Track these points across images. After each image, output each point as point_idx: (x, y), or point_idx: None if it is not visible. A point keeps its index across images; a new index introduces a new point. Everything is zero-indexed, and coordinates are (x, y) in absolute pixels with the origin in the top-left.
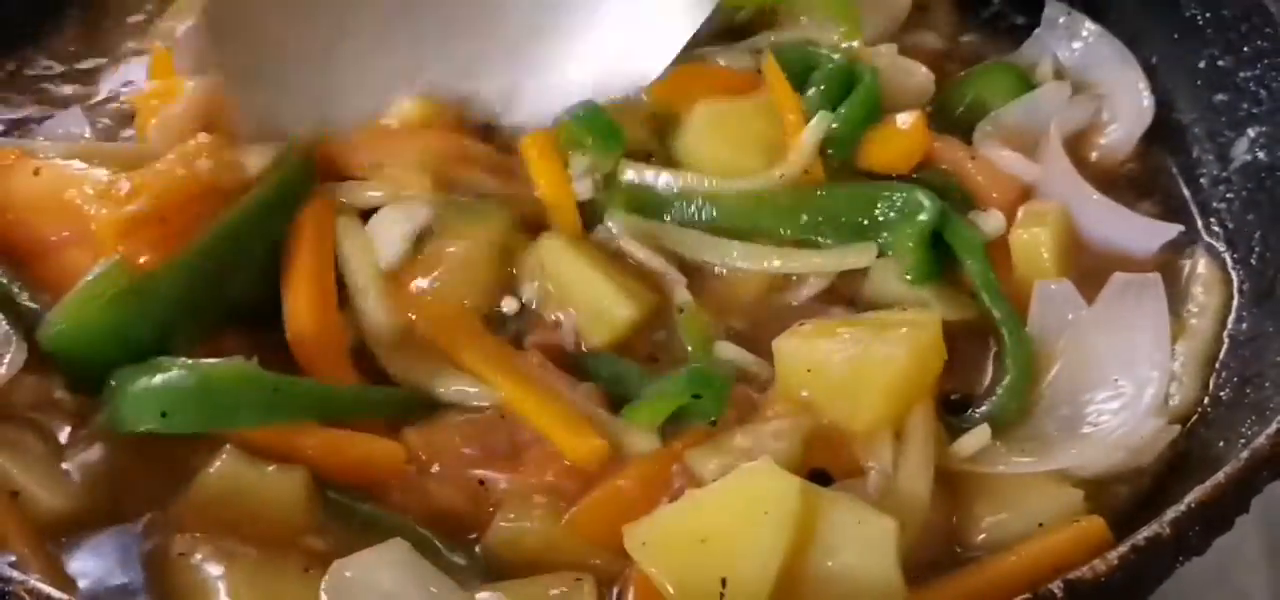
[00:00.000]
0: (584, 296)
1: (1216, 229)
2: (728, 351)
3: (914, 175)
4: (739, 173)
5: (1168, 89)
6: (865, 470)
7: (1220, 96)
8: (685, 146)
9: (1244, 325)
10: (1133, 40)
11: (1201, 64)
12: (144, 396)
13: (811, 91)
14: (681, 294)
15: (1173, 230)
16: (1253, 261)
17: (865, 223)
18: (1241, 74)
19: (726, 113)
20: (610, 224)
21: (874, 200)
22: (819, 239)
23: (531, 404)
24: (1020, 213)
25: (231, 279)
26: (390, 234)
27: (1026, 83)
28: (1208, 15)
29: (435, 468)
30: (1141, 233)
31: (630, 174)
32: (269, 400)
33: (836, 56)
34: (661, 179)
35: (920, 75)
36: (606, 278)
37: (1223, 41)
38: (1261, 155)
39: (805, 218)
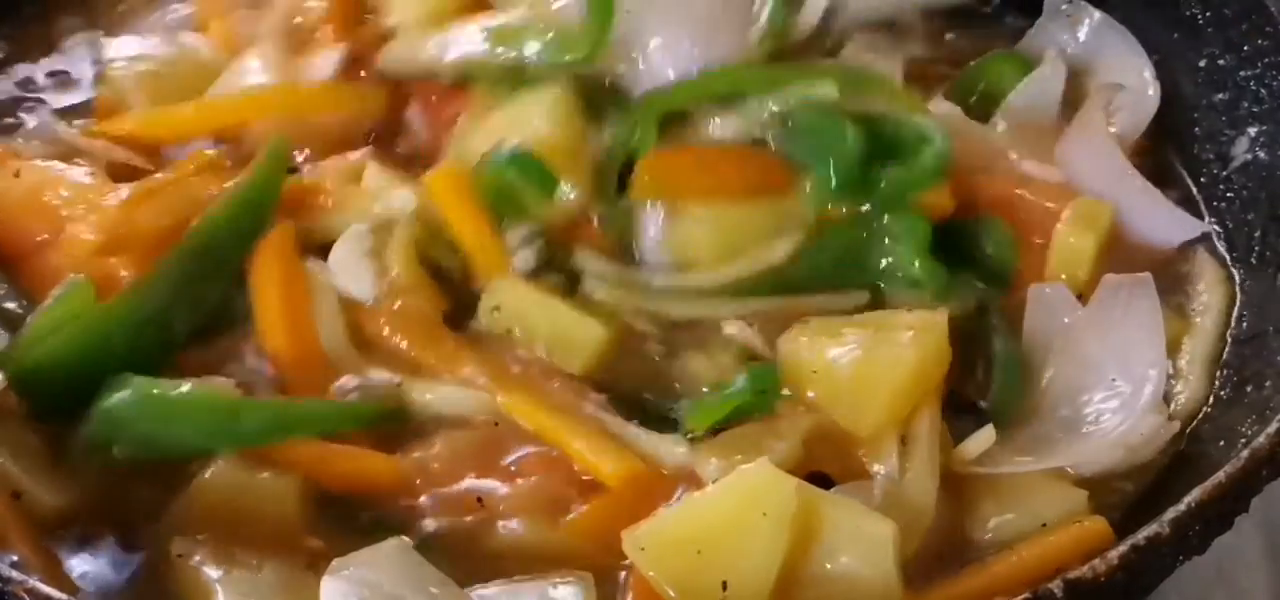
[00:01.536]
0: (548, 328)
1: (1217, 228)
2: (731, 329)
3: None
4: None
5: (1167, 87)
6: (871, 473)
7: (1220, 95)
8: (677, 241)
9: (1244, 325)
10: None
11: (1201, 63)
12: (100, 424)
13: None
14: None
15: (1199, 225)
16: (1252, 260)
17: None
18: (1242, 73)
19: (728, 222)
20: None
21: (866, 234)
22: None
23: (546, 420)
24: (1067, 212)
25: (206, 289)
26: (356, 266)
27: (1031, 69)
28: (1208, 14)
29: (430, 494)
30: (1169, 224)
31: (596, 266)
32: (228, 426)
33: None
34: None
35: (991, 135)
36: (568, 304)
37: (1223, 40)
38: (1262, 155)
39: (804, 268)
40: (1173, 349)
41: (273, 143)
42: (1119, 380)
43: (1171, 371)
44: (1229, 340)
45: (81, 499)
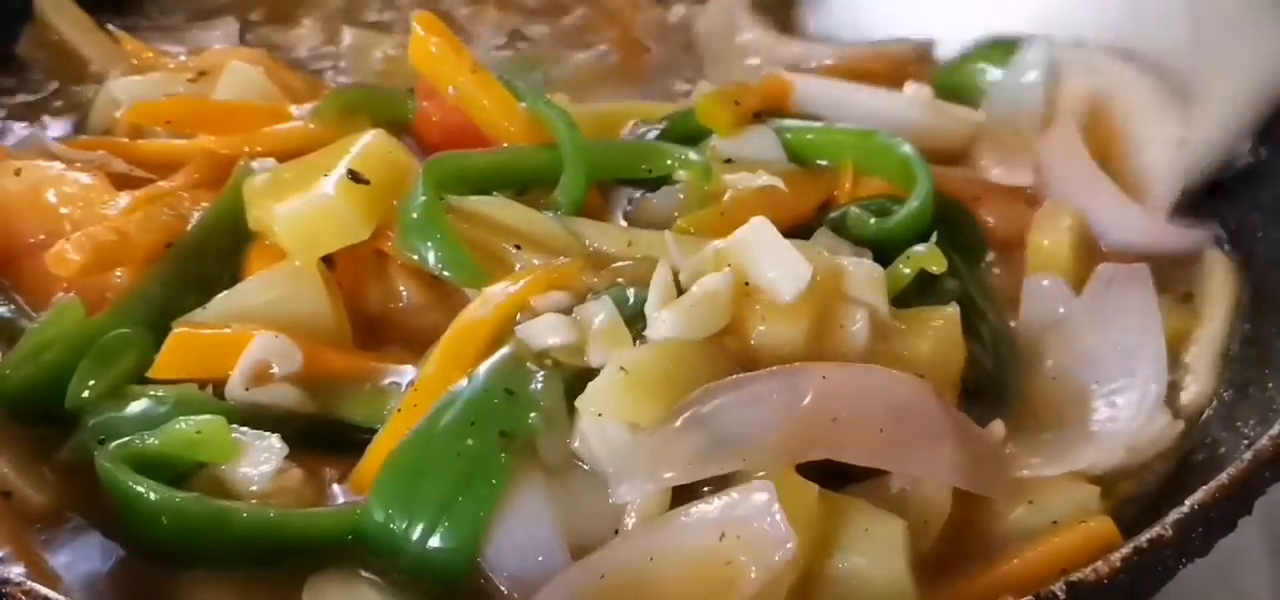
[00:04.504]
0: None
1: (1219, 228)
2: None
3: None
4: None
5: None
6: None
7: None
8: None
9: (1247, 325)
10: None
11: None
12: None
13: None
14: None
15: (1197, 235)
16: (1255, 261)
17: None
18: None
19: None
20: None
21: None
22: None
23: None
24: (1037, 216)
25: (190, 302)
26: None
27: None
28: None
29: None
30: (1165, 236)
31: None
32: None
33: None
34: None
35: (964, 115)
36: None
37: None
38: (1265, 155)
39: None
40: (1182, 344)
41: (242, 165)
42: (1121, 379)
43: (1180, 366)
44: (1236, 339)
45: (67, 495)
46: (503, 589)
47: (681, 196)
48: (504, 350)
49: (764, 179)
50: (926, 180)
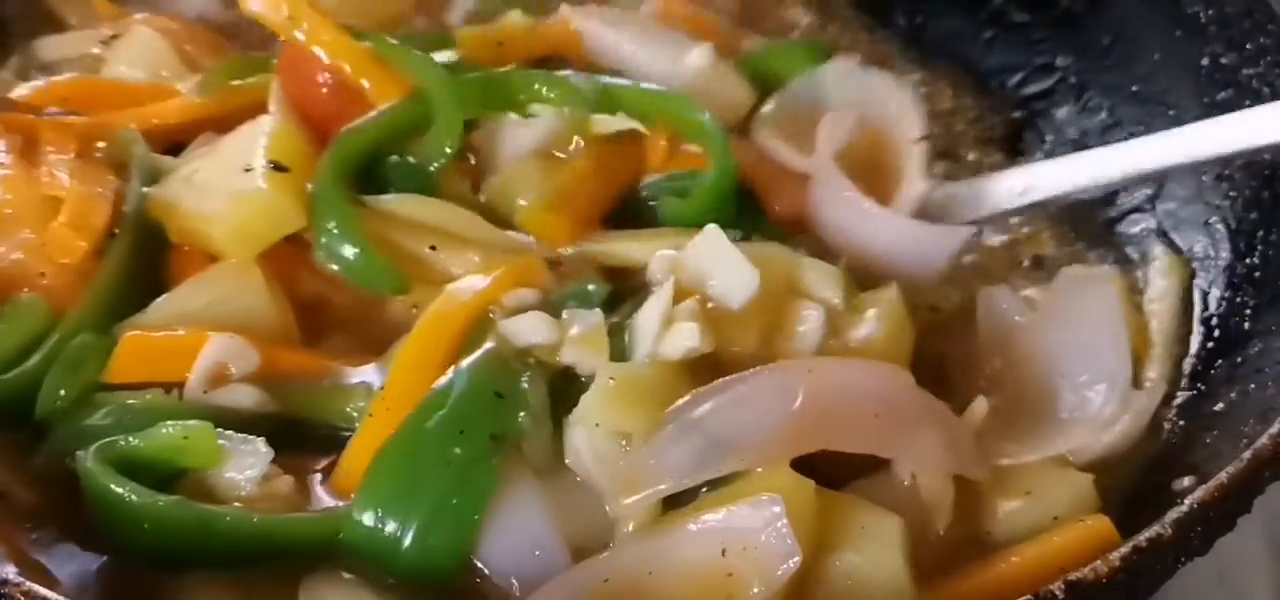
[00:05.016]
0: None
1: (1218, 226)
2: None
3: None
4: None
5: (1170, 87)
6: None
7: (1223, 94)
8: None
9: (1246, 325)
10: (1134, 39)
11: (1204, 62)
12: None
13: None
14: None
15: (964, 233)
16: (1254, 259)
17: None
18: (1244, 71)
19: None
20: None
21: None
22: None
23: None
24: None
25: (142, 290)
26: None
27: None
28: (1210, 12)
29: None
30: (930, 241)
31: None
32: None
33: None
34: None
35: (740, 91)
36: None
37: (1225, 39)
38: (1265, 153)
39: None
40: (1134, 339)
41: (127, 132)
42: (1087, 374)
43: (1137, 360)
44: (1231, 339)
45: (60, 496)
46: (501, 586)
47: (546, 131)
48: (486, 347)
49: (624, 121)
50: (726, 157)
